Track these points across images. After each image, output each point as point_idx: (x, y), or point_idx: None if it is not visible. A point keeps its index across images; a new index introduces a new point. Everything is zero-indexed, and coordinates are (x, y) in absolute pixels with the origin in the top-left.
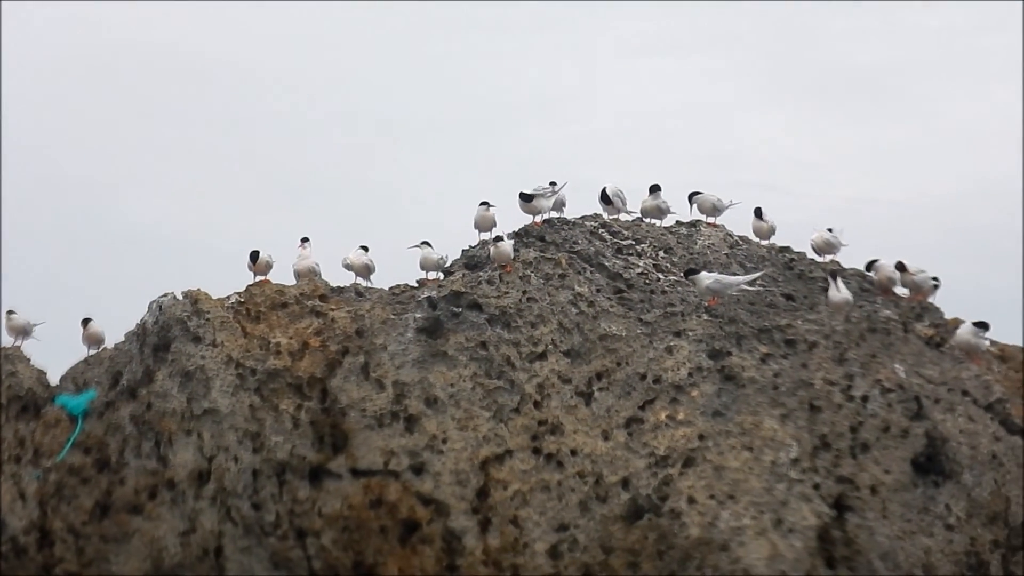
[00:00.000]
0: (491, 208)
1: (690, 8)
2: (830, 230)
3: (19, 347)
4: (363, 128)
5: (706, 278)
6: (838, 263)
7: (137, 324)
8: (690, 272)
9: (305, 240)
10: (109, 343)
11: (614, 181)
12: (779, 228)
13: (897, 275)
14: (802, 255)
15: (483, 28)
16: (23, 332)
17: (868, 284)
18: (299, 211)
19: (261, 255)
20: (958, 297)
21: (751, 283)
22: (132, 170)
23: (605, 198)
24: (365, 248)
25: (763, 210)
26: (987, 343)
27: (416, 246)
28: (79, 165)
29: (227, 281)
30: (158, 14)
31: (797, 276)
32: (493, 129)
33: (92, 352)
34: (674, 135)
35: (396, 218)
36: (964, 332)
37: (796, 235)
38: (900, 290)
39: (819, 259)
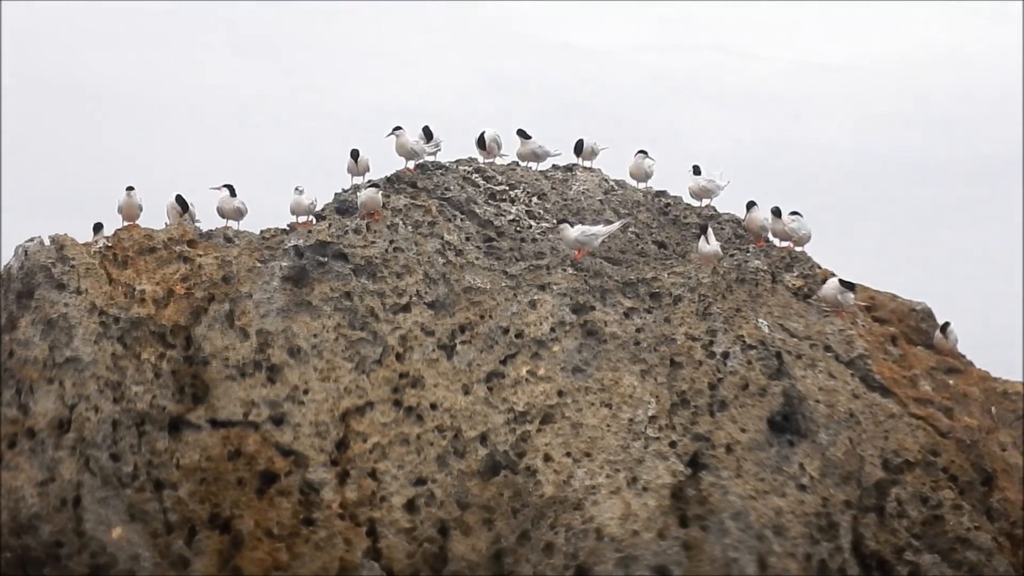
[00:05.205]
0: (361, 155)
1: None
2: (699, 172)
3: None
4: None
5: (572, 231)
6: (714, 208)
7: (3, 268)
8: (561, 222)
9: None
10: None
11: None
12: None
13: (768, 222)
14: (679, 199)
15: None
16: None
17: (742, 231)
18: None
19: (133, 195)
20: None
21: (619, 231)
22: None
23: (481, 143)
24: (231, 190)
25: (647, 152)
26: (852, 301)
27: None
28: None
29: None
30: None
31: (672, 222)
32: None
33: None
34: None
35: None
36: (829, 289)
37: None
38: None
39: (696, 203)
